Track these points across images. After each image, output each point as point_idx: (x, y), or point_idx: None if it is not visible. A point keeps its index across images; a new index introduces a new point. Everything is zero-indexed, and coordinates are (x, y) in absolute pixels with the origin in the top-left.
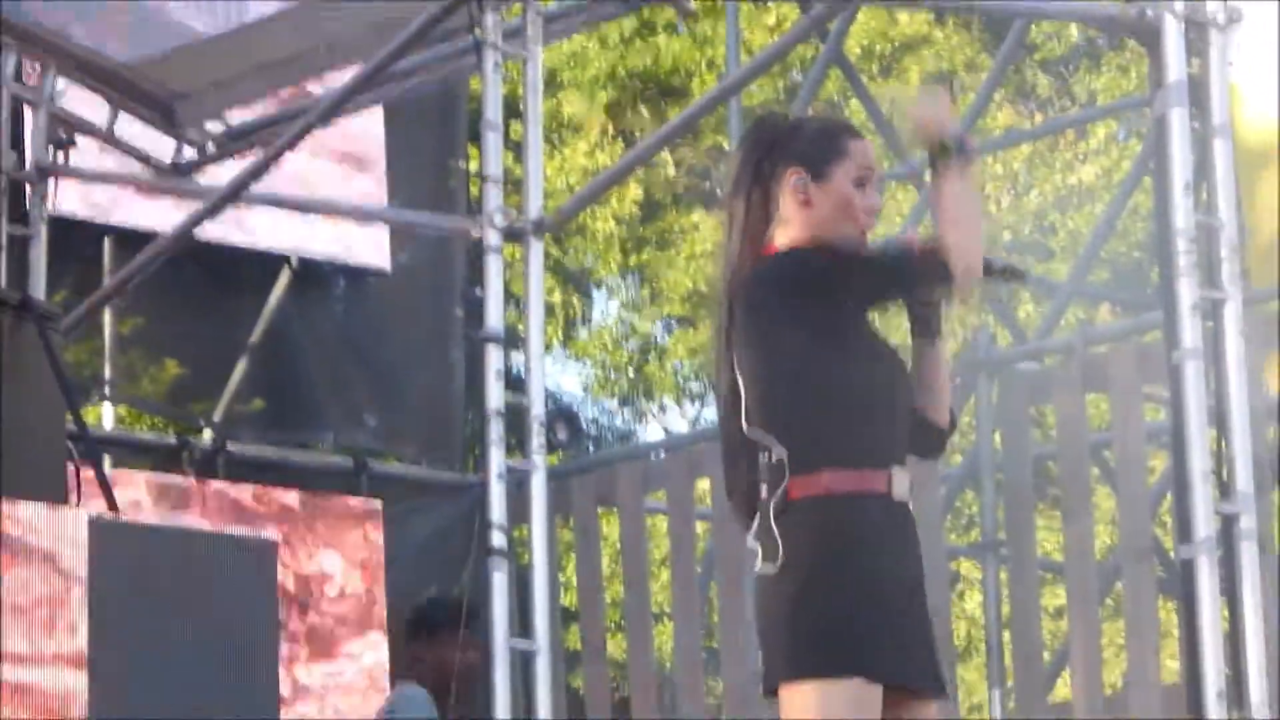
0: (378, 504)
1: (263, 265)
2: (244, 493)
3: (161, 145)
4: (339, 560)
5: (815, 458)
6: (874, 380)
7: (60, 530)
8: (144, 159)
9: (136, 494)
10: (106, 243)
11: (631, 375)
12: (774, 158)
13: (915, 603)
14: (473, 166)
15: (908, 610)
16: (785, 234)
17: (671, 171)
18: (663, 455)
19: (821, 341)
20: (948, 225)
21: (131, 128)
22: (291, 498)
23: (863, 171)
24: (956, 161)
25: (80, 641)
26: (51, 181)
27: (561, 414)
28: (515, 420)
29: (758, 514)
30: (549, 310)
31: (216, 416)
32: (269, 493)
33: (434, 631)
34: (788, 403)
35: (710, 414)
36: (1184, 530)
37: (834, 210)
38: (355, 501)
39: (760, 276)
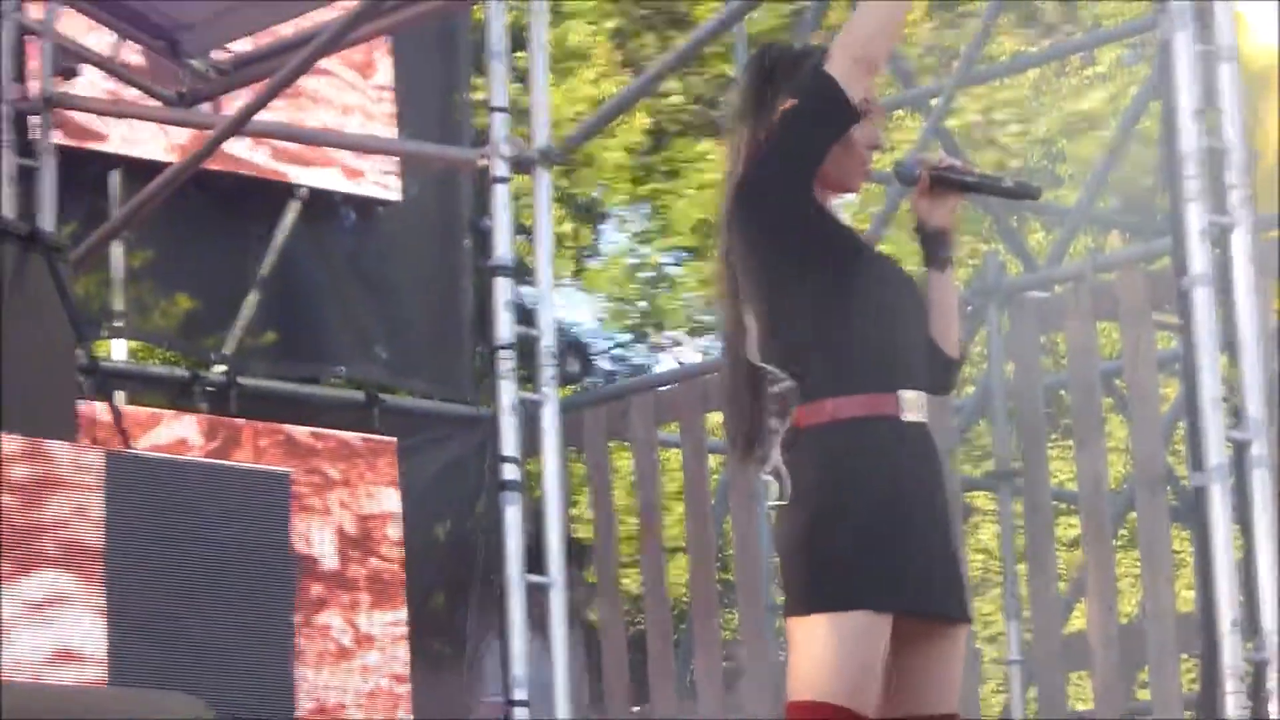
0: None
1: (272, 195)
2: (300, 430)
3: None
4: (400, 500)
5: (821, 385)
6: (877, 301)
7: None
8: (149, 89)
9: (185, 431)
10: (115, 175)
11: (643, 306)
12: (775, 87)
13: (935, 526)
14: (477, 96)
15: (926, 534)
16: None
17: (679, 99)
18: (675, 387)
19: (815, 261)
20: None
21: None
22: (352, 435)
23: (862, 101)
24: None
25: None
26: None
27: (572, 346)
28: (526, 352)
29: (767, 446)
30: (558, 241)
31: (227, 350)
32: (327, 430)
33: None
34: (789, 329)
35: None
36: (1196, 458)
37: (847, 151)
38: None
39: (743, 199)
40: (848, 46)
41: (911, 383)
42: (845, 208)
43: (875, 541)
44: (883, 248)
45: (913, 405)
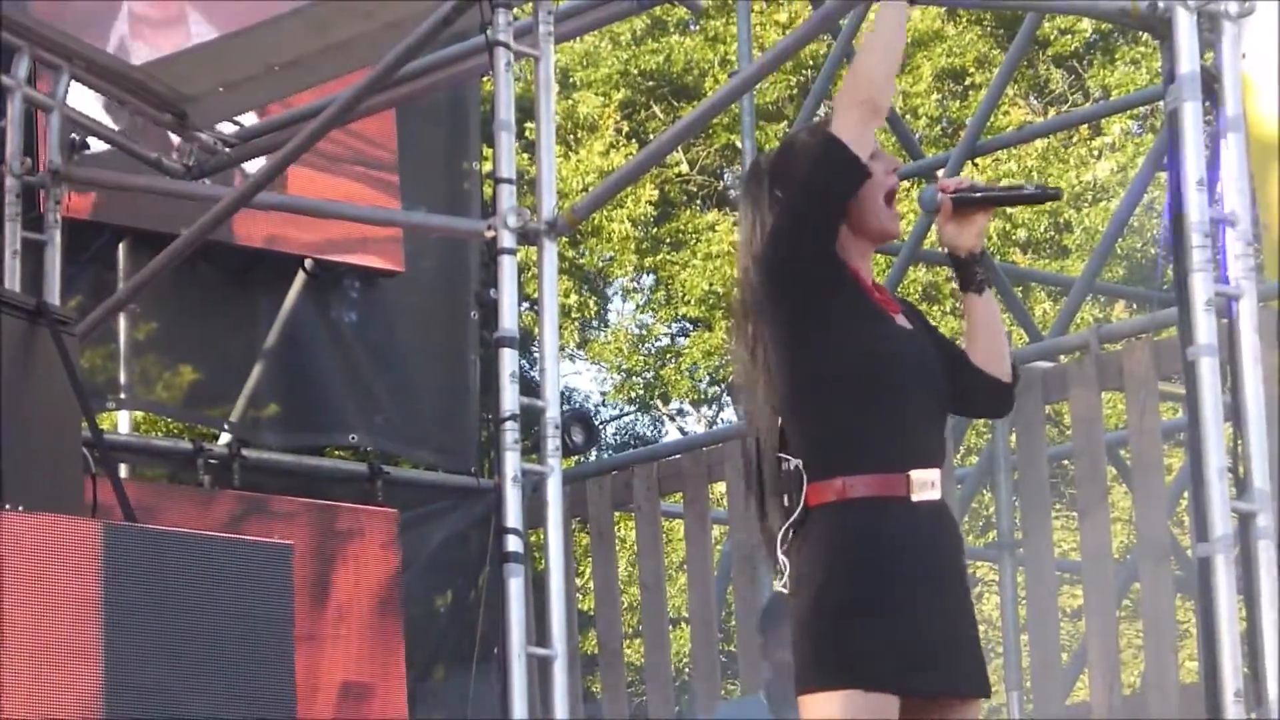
0: None
1: (277, 267)
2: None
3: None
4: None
5: (831, 463)
6: (885, 366)
7: (75, 536)
8: (156, 163)
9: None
10: (121, 247)
11: (648, 378)
12: (777, 184)
13: (943, 605)
14: (486, 168)
15: (932, 614)
16: None
17: (685, 169)
18: (679, 458)
19: (821, 329)
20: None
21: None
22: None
23: (869, 147)
24: None
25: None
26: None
27: (577, 417)
28: (531, 423)
29: (782, 527)
30: (564, 312)
31: (233, 418)
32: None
33: (765, 631)
34: (798, 406)
35: (726, 415)
36: (1201, 529)
37: (873, 191)
38: None
39: (764, 276)
40: (855, 93)
41: (923, 461)
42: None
43: (877, 622)
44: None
45: (923, 484)
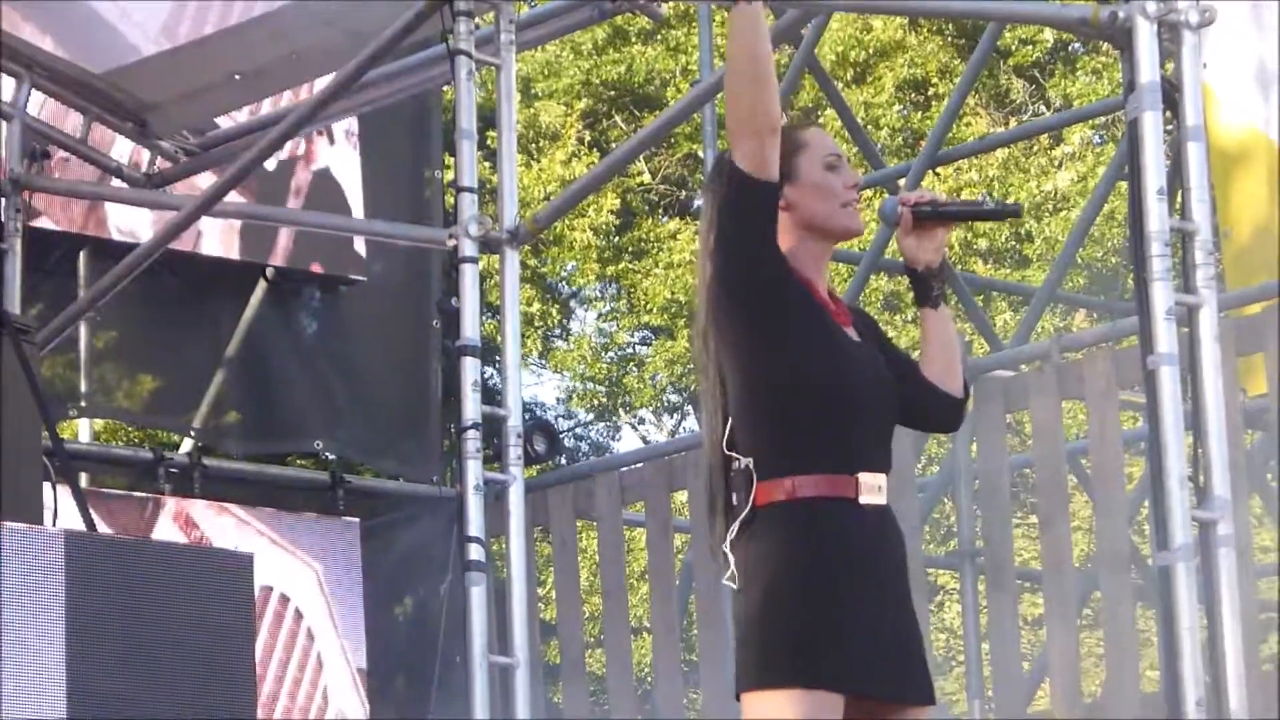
0: None
1: (238, 276)
2: None
3: (135, 156)
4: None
5: (781, 464)
6: (833, 380)
7: (36, 548)
8: (117, 171)
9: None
10: (82, 255)
11: (609, 386)
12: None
13: (888, 608)
14: (448, 176)
15: (877, 617)
16: (782, 241)
17: (647, 178)
18: (640, 466)
19: (770, 342)
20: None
21: (105, 139)
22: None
23: (829, 155)
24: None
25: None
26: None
27: (539, 426)
28: (493, 432)
29: (729, 523)
30: (527, 321)
31: (196, 423)
32: None
33: None
34: (749, 408)
35: (689, 425)
36: (1162, 537)
37: (814, 200)
38: None
39: (716, 286)
40: (738, 127)
41: (871, 465)
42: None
43: (824, 621)
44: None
45: (870, 488)
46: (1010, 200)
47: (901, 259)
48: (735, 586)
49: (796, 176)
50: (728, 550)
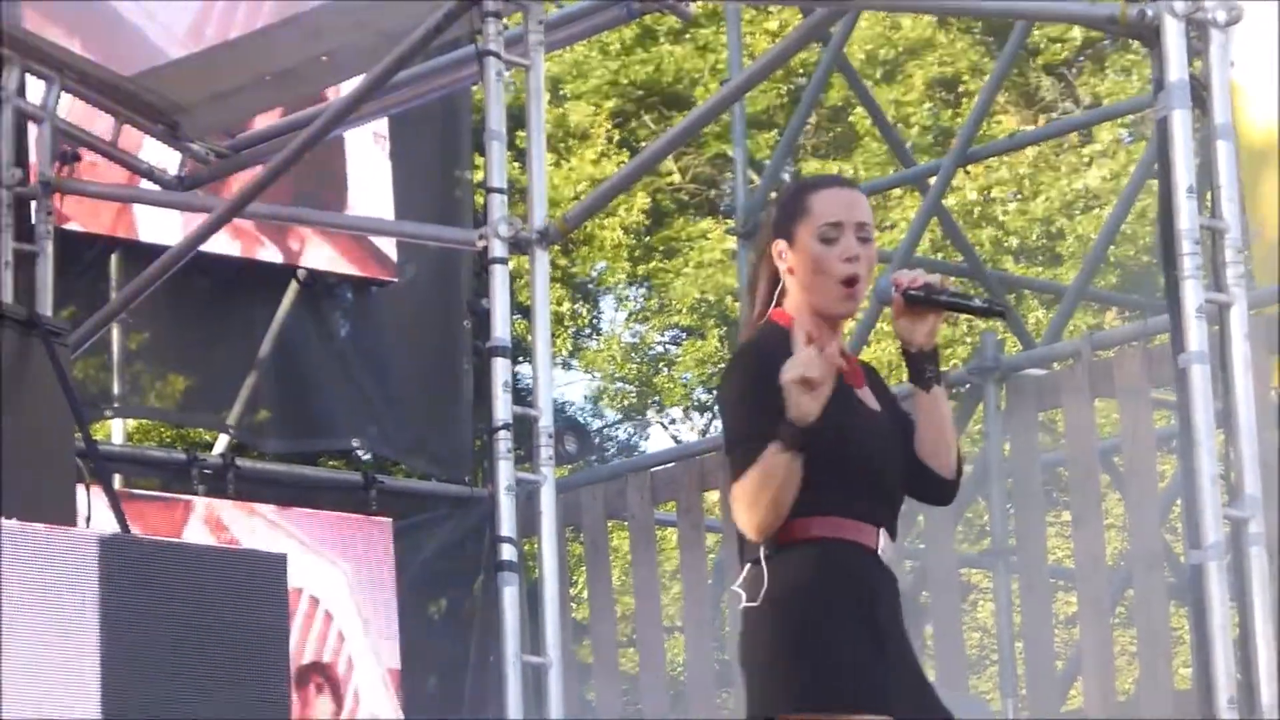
0: None
1: (270, 277)
2: None
3: (166, 158)
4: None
5: (803, 506)
6: (848, 438)
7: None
8: (148, 173)
9: None
10: (114, 258)
11: (640, 386)
12: (770, 234)
13: (901, 651)
14: (478, 177)
15: (895, 655)
16: (791, 301)
17: (677, 177)
18: (672, 466)
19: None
20: (746, 500)
21: (136, 141)
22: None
23: (824, 226)
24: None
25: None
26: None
27: (570, 426)
28: (525, 432)
29: (746, 558)
30: (557, 321)
31: (230, 421)
32: None
33: None
34: None
35: (718, 424)
36: (1194, 535)
37: (807, 273)
38: None
39: (731, 359)
40: (737, 514)
41: (882, 520)
42: None
43: (863, 648)
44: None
45: (886, 544)
46: (997, 302)
47: (934, 258)
48: (757, 606)
49: (795, 242)
50: (740, 589)
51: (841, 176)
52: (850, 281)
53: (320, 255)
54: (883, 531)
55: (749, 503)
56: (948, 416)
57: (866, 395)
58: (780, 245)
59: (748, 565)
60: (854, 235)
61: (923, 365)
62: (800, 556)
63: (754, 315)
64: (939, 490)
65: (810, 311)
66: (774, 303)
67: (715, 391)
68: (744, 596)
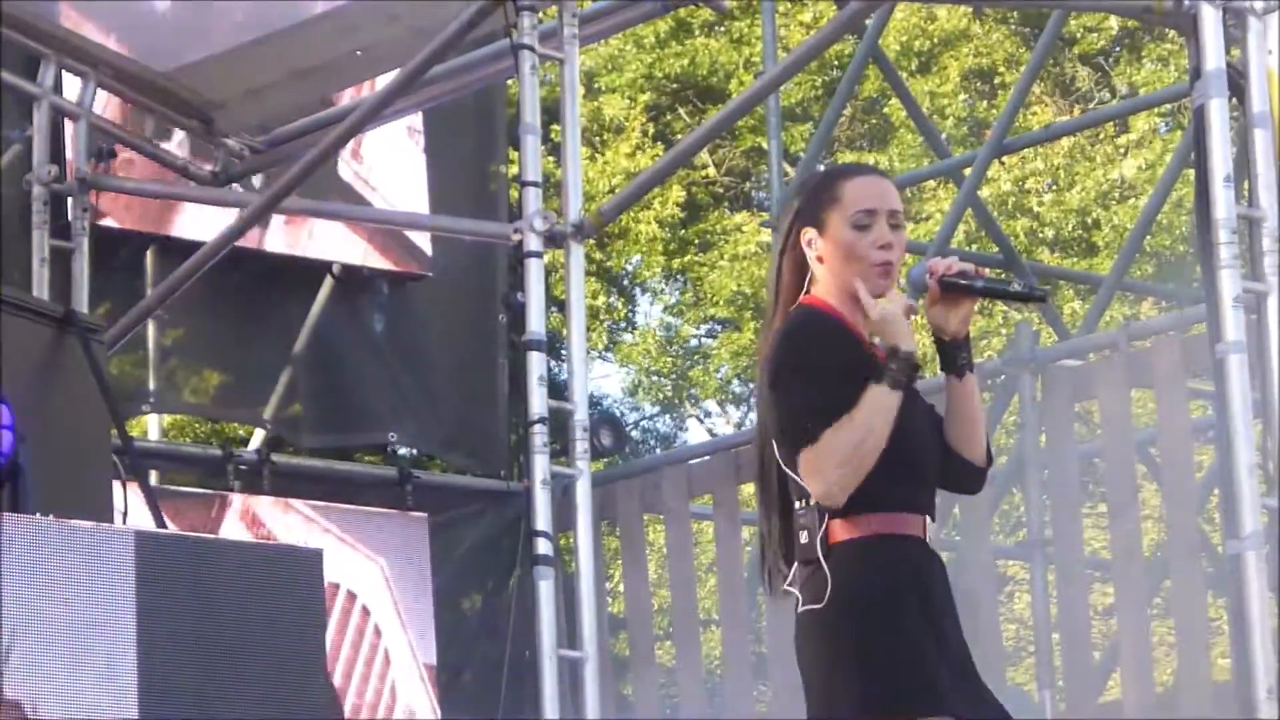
0: None
1: (305, 273)
2: None
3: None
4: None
5: (857, 502)
6: (903, 427)
7: (106, 546)
8: (183, 169)
9: None
10: (149, 253)
11: (675, 379)
12: (797, 223)
13: (953, 640)
14: (513, 171)
15: (949, 646)
16: (816, 288)
17: (712, 171)
18: (707, 459)
19: (845, 388)
20: (838, 458)
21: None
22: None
23: (857, 213)
24: (889, 376)
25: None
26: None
27: (605, 419)
28: (560, 426)
29: (797, 559)
30: (592, 315)
31: (267, 415)
32: None
33: None
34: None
35: (754, 416)
36: (1231, 526)
37: (839, 261)
38: None
39: (775, 339)
40: (818, 466)
41: (921, 506)
42: None
43: (926, 649)
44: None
45: (911, 527)
46: (1037, 285)
47: (969, 249)
48: (819, 608)
49: (827, 230)
50: (797, 586)
51: (871, 165)
52: (884, 265)
53: (355, 250)
54: (927, 519)
55: (840, 459)
56: (980, 405)
57: None
58: (810, 233)
59: (804, 566)
60: (886, 223)
61: (956, 353)
62: (862, 555)
63: (781, 304)
64: (971, 479)
65: (847, 296)
66: (804, 291)
67: (766, 375)
68: (802, 599)
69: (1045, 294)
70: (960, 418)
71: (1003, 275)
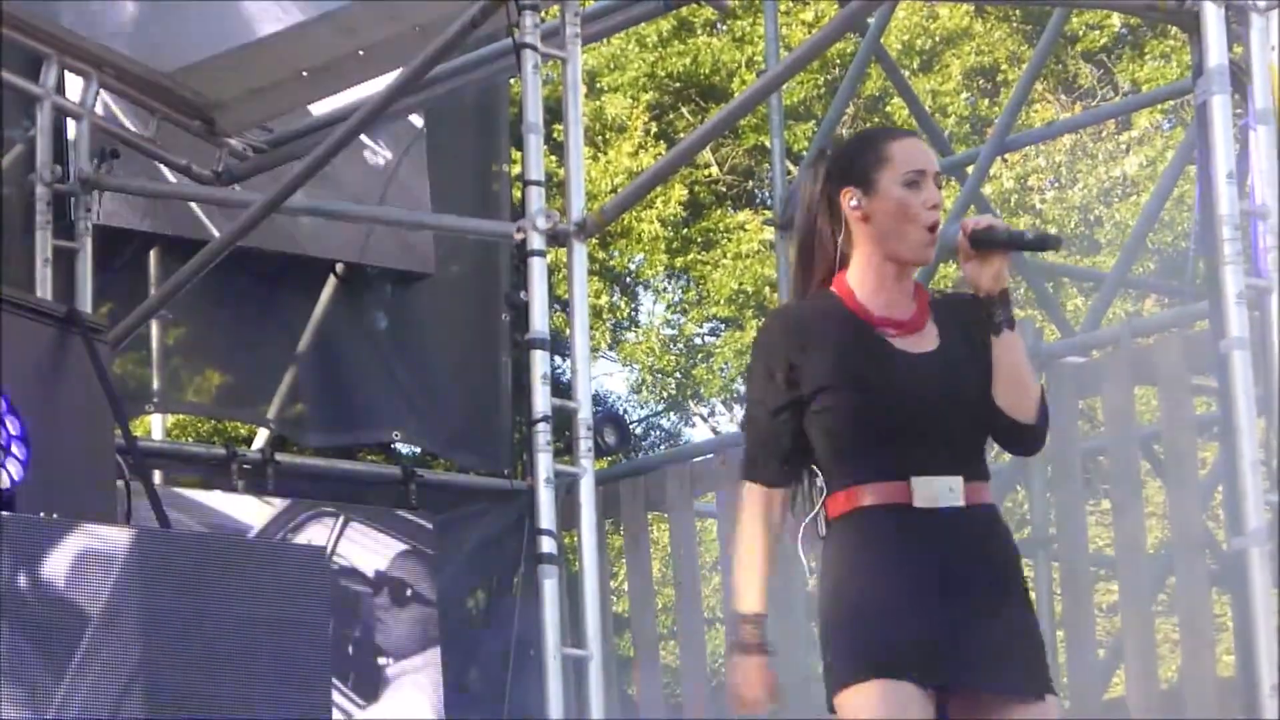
0: None
1: (309, 272)
2: None
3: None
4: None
5: (843, 476)
6: (875, 388)
7: (110, 545)
8: (186, 169)
9: None
10: (152, 253)
11: (679, 378)
12: (831, 185)
13: (957, 605)
14: (515, 170)
15: (946, 614)
16: (858, 252)
17: (715, 170)
18: (711, 457)
19: (831, 361)
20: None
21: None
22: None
23: (909, 172)
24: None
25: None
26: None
27: (609, 418)
28: (564, 425)
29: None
30: (595, 313)
31: (270, 415)
32: None
33: None
34: (813, 429)
35: None
36: (1235, 522)
37: (890, 219)
38: None
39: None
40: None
41: (929, 469)
42: None
43: (878, 617)
44: None
45: (928, 494)
46: (1052, 233)
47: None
48: (813, 588)
49: (876, 190)
50: (807, 560)
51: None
52: (934, 228)
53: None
54: (950, 479)
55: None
56: (1023, 361)
57: (915, 339)
58: (854, 193)
59: (810, 549)
60: (934, 184)
61: (992, 309)
62: (843, 531)
63: (822, 266)
64: (1021, 437)
65: (884, 259)
66: (836, 258)
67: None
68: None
69: (1059, 241)
70: (1002, 375)
71: (1025, 229)
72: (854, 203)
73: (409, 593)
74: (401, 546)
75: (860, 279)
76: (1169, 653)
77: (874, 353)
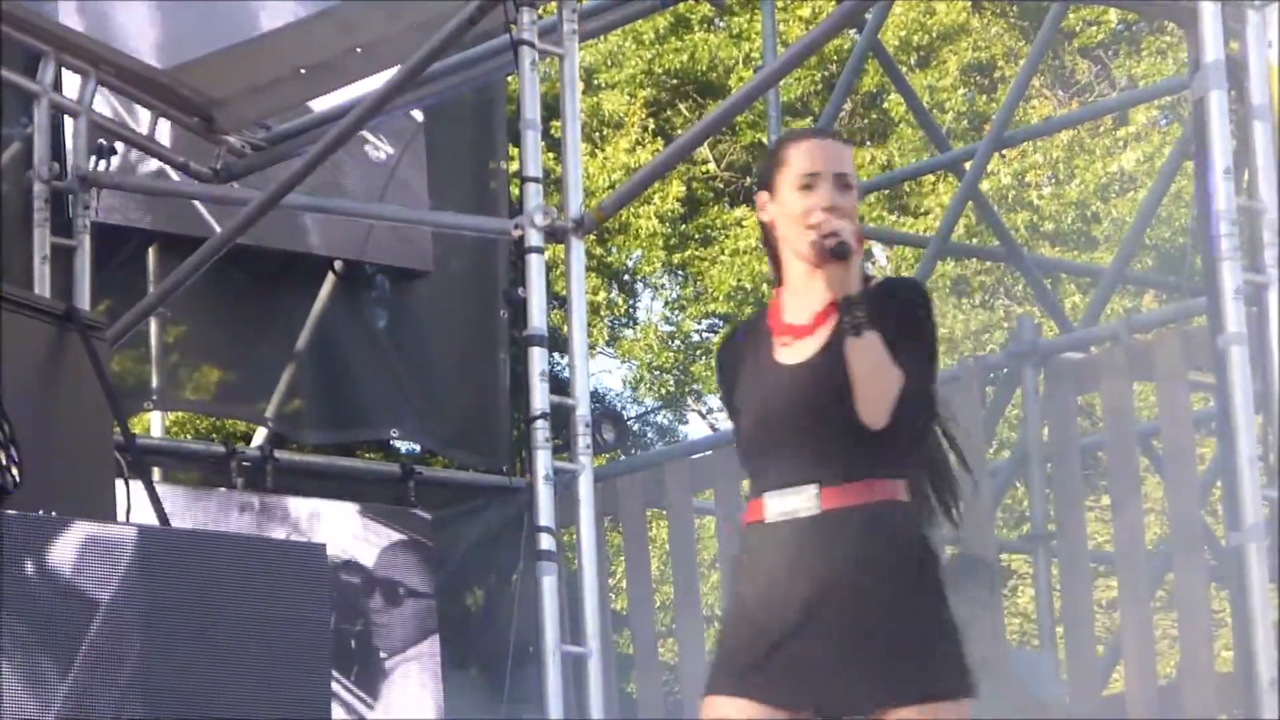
0: None
1: (307, 269)
2: None
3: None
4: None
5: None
6: (753, 408)
7: (109, 544)
8: (184, 166)
9: None
10: (151, 251)
11: (677, 374)
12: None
13: (808, 621)
14: (513, 167)
15: (795, 630)
16: (784, 266)
17: (712, 166)
18: (710, 454)
19: (733, 397)
20: None
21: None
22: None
23: (803, 175)
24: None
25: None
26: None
27: (607, 414)
28: (562, 422)
29: None
30: (593, 310)
31: (269, 412)
32: None
33: None
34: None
35: None
36: (1233, 518)
37: (786, 222)
38: None
39: None
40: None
41: (781, 483)
42: None
43: (727, 636)
44: None
45: (776, 507)
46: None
47: (970, 242)
48: None
49: (775, 194)
50: None
51: (821, 128)
52: (828, 231)
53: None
54: (807, 488)
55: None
56: (870, 367)
57: (800, 346)
58: (762, 197)
59: None
60: (833, 185)
61: (841, 315)
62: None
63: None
64: (876, 445)
65: (794, 260)
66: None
67: None
68: None
69: (846, 250)
70: (853, 381)
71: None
72: (762, 205)
73: (409, 584)
74: (400, 537)
75: (786, 281)
76: (1168, 648)
77: (760, 371)
